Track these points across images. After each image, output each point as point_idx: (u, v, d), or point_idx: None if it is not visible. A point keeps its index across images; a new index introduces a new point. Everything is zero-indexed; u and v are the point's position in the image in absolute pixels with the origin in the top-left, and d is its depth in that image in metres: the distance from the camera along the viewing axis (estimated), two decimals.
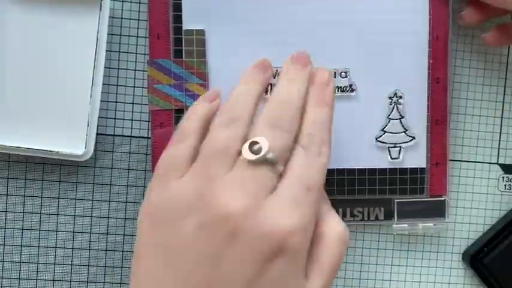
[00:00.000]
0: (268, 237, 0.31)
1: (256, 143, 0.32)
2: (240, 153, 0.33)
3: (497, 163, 0.46)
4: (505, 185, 0.46)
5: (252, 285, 0.31)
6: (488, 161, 0.46)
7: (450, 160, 0.45)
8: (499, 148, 0.46)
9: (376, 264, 0.45)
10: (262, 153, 0.32)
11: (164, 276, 0.32)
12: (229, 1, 0.41)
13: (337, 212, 0.43)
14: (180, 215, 0.32)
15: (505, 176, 0.46)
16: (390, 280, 0.45)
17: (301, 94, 0.35)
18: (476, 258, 0.44)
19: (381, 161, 0.43)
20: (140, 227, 0.34)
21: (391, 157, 0.43)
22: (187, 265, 0.31)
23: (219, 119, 0.34)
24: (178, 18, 0.41)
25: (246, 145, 0.32)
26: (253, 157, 0.32)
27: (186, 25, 0.41)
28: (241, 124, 0.33)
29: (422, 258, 0.46)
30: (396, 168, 0.43)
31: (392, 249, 0.45)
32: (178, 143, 0.35)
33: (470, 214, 0.46)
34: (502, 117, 0.46)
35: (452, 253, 0.46)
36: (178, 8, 0.41)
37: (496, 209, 0.46)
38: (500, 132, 0.46)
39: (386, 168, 0.43)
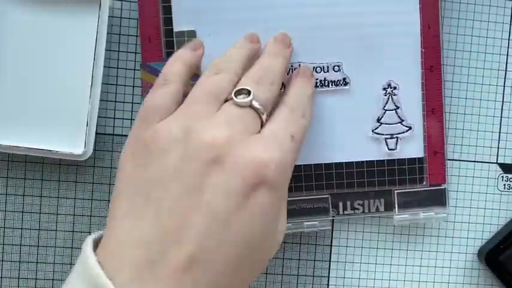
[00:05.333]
0: (250, 168, 0.32)
1: (243, 91, 0.34)
2: (227, 100, 0.34)
3: (496, 162, 0.46)
4: (504, 185, 0.46)
5: (233, 217, 0.31)
6: (488, 161, 0.46)
7: (449, 160, 0.45)
8: (498, 147, 0.46)
9: (376, 255, 0.45)
10: (250, 98, 0.33)
11: (145, 213, 0.31)
12: (219, 1, 0.41)
13: (338, 205, 0.43)
14: (164, 150, 0.32)
15: (504, 175, 0.46)
16: (390, 271, 0.45)
17: (283, 67, 0.38)
18: (491, 256, 0.44)
19: (378, 152, 0.43)
20: (122, 168, 0.33)
21: (388, 148, 0.43)
22: (169, 199, 0.31)
23: (209, 69, 0.35)
24: (168, 20, 0.41)
25: (233, 90, 0.34)
26: (240, 100, 0.33)
27: (177, 27, 0.41)
28: (230, 73, 0.35)
29: (422, 251, 0.46)
30: (394, 159, 0.43)
31: (393, 241, 0.45)
32: (162, 86, 0.35)
33: (469, 214, 0.46)
34: (501, 117, 0.46)
35: (451, 252, 0.46)
36: (168, 10, 0.41)
37: (495, 209, 0.46)
38: (500, 132, 0.46)
39: (384, 160, 0.43)
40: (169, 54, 0.41)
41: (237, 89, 0.34)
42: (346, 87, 0.42)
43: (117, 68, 0.43)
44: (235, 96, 0.34)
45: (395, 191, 0.43)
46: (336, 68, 0.42)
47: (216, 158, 0.31)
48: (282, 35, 0.40)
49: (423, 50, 0.42)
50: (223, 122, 0.33)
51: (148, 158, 0.32)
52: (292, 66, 0.41)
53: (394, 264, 0.45)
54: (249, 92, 0.34)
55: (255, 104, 0.34)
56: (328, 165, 0.42)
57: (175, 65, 0.36)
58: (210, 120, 0.32)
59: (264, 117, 0.34)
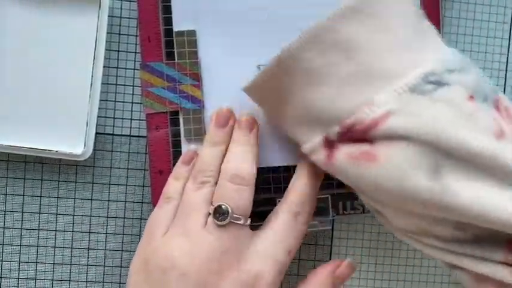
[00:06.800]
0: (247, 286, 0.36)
1: (221, 208, 0.37)
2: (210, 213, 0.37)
3: None
4: None
5: None
6: None
7: None
8: None
9: (376, 255, 0.45)
10: (228, 219, 0.37)
11: None
12: (218, 1, 0.41)
13: (337, 206, 0.43)
14: (163, 270, 0.36)
15: None
16: (390, 272, 0.46)
17: (253, 157, 0.39)
18: None
19: None
20: (130, 281, 0.38)
21: None
22: None
23: (193, 180, 0.39)
24: (168, 20, 0.41)
25: (213, 209, 0.37)
26: (221, 222, 0.37)
27: (177, 27, 0.41)
28: (211, 184, 0.38)
29: (421, 251, 0.46)
30: None
31: (393, 241, 0.45)
32: (165, 204, 0.39)
33: None
34: None
35: None
36: (168, 10, 0.41)
37: None
38: None
39: None
40: (169, 54, 0.41)
41: (215, 206, 0.37)
42: None
43: (117, 67, 0.43)
44: (215, 217, 0.37)
45: None
46: None
47: (217, 282, 0.36)
48: (245, 120, 0.40)
49: None
50: (214, 243, 0.36)
51: (150, 276, 0.37)
52: None
53: (394, 264, 0.45)
54: (226, 208, 0.37)
55: (236, 221, 0.37)
56: None
57: (174, 184, 0.40)
58: (203, 242, 0.36)
59: (248, 222, 0.37)
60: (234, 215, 0.37)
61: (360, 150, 0.33)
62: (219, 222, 0.36)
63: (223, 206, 0.37)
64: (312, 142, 0.36)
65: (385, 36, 0.33)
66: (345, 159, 0.34)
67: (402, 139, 0.32)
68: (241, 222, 0.37)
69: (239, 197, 0.37)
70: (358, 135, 0.33)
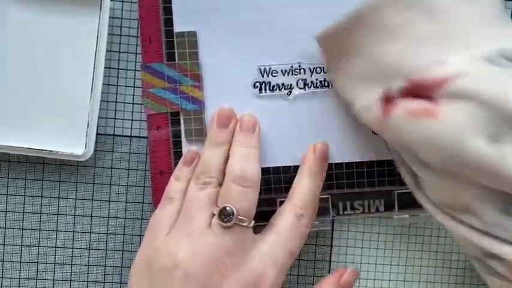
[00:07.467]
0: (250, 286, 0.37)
1: (226, 210, 0.37)
2: (214, 214, 0.38)
3: None
4: None
5: None
6: None
7: None
8: None
9: (376, 255, 0.45)
10: (233, 220, 0.37)
11: None
12: (219, 2, 0.41)
13: (338, 206, 0.43)
14: (166, 270, 0.36)
15: None
16: (390, 272, 0.46)
17: (256, 159, 0.40)
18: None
19: (378, 152, 0.43)
20: (132, 282, 0.38)
21: (388, 148, 0.43)
22: None
23: (195, 181, 0.39)
24: (169, 21, 0.41)
25: (218, 210, 0.37)
26: (226, 224, 0.37)
27: (178, 27, 0.41)
28: (214, 185, 0.39)
29: (422, 251, 0.46)
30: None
31: (393, 241, 0.45)
32: (167, 204, 0.40)
33: None
34: None
35: (451, 252, 0.46)
36: (168, 11, 0.41)
37: None
38: None
39: (384, 160, 0.43)
40: (169, 55, 0.41)
41: (220, 207, 0.37)
42: None
43: (118, 68, 0.43)
44: (220, 218, 0.37)
45: (396, 191, 0.43)
46: None
47: (221, 280, 0.36)
48: (247, 121, 0.40)
49: None
50: (218, 244, 0.37)
51: (152, 276, 0.37)
52: (292, 67, 0.41)
53: (394, 264, 0.46)
54: (232, 210, 0.37)
55: (241, 223, 0.37)
56: (328, 166, 0.42)
57: (176, 184, 0.40)
58: (207, 243, 0.37)
59: (252, 223, 0.38)
60: (239, 217, 0.37)
61: (421, 107, 0.33)
62: (224, 224, 0.37)
63: (228, 208, 0.37)
64: (367, 99, 0.36)
65: (472, 8, 0.33)
66: (403, 114, 0.34)
67: (469, 100, 0.32)
68: (245, 223, 0.37)
69: (244, 198, 0.38)
70: (423, 91, 0.33)
